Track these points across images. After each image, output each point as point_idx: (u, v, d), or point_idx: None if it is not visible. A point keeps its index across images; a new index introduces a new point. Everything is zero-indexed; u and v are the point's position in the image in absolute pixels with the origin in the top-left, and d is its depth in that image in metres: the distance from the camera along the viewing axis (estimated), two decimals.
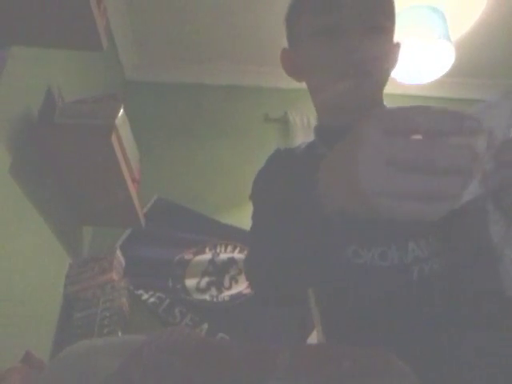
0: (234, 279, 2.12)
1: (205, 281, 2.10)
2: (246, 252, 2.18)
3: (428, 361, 0.64)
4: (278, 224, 0.73)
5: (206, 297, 2.06)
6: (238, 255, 2.19)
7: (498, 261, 0.62)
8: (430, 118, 0.40)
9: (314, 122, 2.57)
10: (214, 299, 2.05)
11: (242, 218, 2.33)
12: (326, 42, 0.83)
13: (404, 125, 0.41)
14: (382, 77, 0.87)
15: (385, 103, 0.91)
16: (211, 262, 2.16)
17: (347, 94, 0.82)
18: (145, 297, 2.03)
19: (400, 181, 0.41)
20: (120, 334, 1.70)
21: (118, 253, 1.95)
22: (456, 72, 2.49)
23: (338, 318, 0.83)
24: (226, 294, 2.08)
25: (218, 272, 2.14)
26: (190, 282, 2.09)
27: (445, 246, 0.76)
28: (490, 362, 0.65)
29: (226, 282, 2.11)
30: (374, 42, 0.82)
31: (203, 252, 2.19)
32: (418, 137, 0.41)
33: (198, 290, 2.08)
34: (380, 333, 0.73)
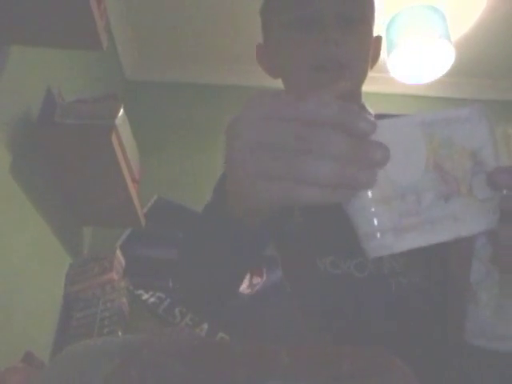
0: None
1: None
2: None
3: None
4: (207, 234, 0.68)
5: None
6: None
7: (470, 301, 0.59)
8: (319, 108, 0.38)
9: None
10: None
11: None
12: (299, 34, 0.78)
13: (285, 111, 0.38)
14: (360, 72, 0.81)
15: (363, 101, 0.86)
16: None
17: (320, 88, 0.79)
18: (145, 297, 2.02)
19: (268, 163, 0.38)
20: (120, 333, 1.70)
21: (118, 253, 1.95)
22: (456, 72, 2.49)
23: (317, 327, 0.82)
24: None
25: None
26: None
27: (423, 259, 0.74)
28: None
29: None
30: (350, 34, 0.77)
31: None
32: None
33: None
34: (358, 343, 0.72)
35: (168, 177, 2.40)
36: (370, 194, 0.40)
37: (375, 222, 0.40)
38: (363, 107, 0.86)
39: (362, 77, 0.82)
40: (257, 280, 2.10)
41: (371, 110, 0.86)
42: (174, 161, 2.46)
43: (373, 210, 0.40)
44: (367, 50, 0.82)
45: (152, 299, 2.02)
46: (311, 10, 0.77)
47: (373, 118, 0.83)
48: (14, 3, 1.19)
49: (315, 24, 0.77)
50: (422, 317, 0.72)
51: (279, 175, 0.37)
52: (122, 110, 1.60)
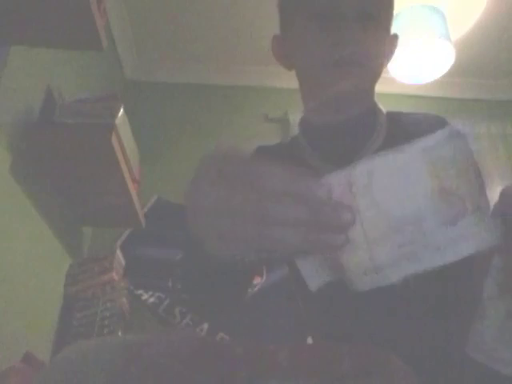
0: None
1: None
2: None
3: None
4: None
5: None
6: None
7: (477, 315, 0.58)
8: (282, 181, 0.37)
9: None
10: None
11: None
12: (319, 29, 0.77)
13: (245, 178, 0.38)
14: (375, 69, 0.81)
15: (376, 100, 0.87)
16: None
17: (335, 84, 0.77)
18: (145, 297, 2.02)
19: (231, 227, 0.38)
20: (120, 333, 1.70)
21: (118, 253, 1.95)
22: (456, 72, 2.49)
23: (320, 320, 0.82)
24: None
25: None
26: None
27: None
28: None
29: None
30: (368, 31, 0.77)
31: None
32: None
33: None
34: (362, 335, 0.72)
35: (168, 177, 2.40)
36: (363, 235, 0.39)
37: (371, 262, 0.39)
38: (375, 105, 0.85)
39: (376, 75, 0.82)
40: (257, 280, 2.10)
41: (383, 109, 0.86)
42: (173, 161, 2.46)
43: (368, 251, 0.39)
44: (383, 48, 0.82)
45: (152, 299, 2.02)
46: (332, 5, 0.76)
47: (383, 119, 0.81)
48: (14, 3, 1.19)
49: (335, 20, 0.76)
50: (424, 320, 0.72)
51: (246, 238, 0.38)
52: (121, 110, 1.60)
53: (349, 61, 0.76)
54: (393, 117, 0.84)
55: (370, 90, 0.84)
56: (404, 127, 0.82)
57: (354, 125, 0.80)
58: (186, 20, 2.44)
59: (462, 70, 2.59)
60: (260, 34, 2.53)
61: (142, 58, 2.70)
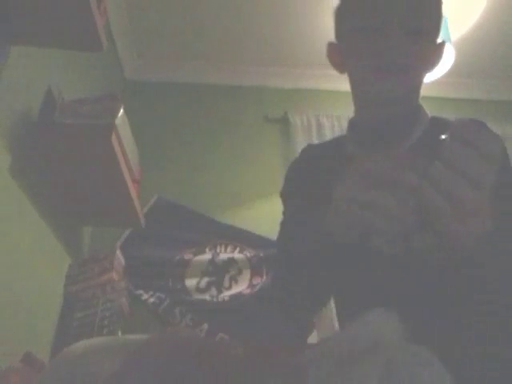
0: (234, 279, 2.12)
1: (205, 281, 2.10)
2: (245, 252, 2.18)
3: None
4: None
5: (206, 297, 2.06)
6: (237, 255, 2.19)
7: None
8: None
9: (314, 122, 2.57)
10: (214, 299, 2.05)
11: (242, 218, 2.33)
12: (367, 39, 0.85)
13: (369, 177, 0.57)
14: (416, 78, 0.89)
15: (420, 103, 0.93)
16: (211, 261, 2.16)
17: (382, 88, 0.85)
18: (145, 297, 2.02)
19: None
20: (120, 333, 1.70)
21: (118, 253, 1.95)
22: (456, 72, 2.49)
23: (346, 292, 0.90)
24: (226, 294, 2.08)
25: (218, 272, 2.14)
26: (190, 282, 2.09)
27: None
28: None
29: (226, 282, 2.11)
30: (412, 43, 0.84)
31: (203, 252, 2.19)
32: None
33: (198, 289, 2.08)
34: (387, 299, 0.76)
35: (168, 177, 2.40)
36: None
37: None
38: (419, 108, 0.92)
39: (418, 82, 0.91)
40: (257, 280, 2.10)
41: (428, 112, 0.93)
42: (174, 161, 2.46)
43: None
44: (427, 58, 0.89)
45: (152, 299, 2.02)
46: (379, 20, 0.84)
47: (425, 120, 0.89)
48: (14, 3, 1.19)
49: (381, 33, 0.84)
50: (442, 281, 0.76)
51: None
52: (121, 110, 1.60)
53: (392, 67, 0.84)
54: (436, 121, 0.91)
55: (411, 94, 0.90)
56: (441, 132, 0.87)
57: (394, 122, 0.88)
58: (186, 20, 2.45)
59: (462, 70, 2.59)
60: (260, 34, 2.53)
61: (142, 58, 2.70)
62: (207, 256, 2.17)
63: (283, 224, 0.99)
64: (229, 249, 2.22)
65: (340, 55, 0.95)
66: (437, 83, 2.49)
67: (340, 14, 0.93)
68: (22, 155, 1.47)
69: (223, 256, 2.18)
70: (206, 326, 1.99)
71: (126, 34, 2.51)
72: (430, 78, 2.44)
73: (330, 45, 0.98)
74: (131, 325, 1.84)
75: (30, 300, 1.52)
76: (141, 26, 2.50)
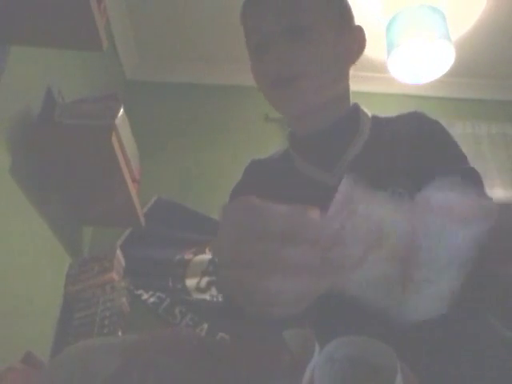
0: None
1: (205, 280, 2.10)
2: None
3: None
4: None
5: (206, 296, 2.06)
6: None
7: None
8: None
9: None
10: (214, 299, 2.05)
11: None
12: (259, 57, 0.83)
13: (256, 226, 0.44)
14: (321, 78, 0.80)
15: (351, 99, 0.87)
16: (211, 261, 2.16)
17: (285, 105, 0.82)
18: (145, 297, 2.03)
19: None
20: (120, 333, 1.70)
21: (118, 253, 1.95)
22: (456, 72, 2.49)
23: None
24: None
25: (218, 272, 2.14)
26: (190, 282, 2.09)
27: None
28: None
29: None
30: (298, 46, 0.78)
31: (203, 252, 2.19)
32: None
33: (198, 289, 2.08)
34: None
35: (168, 177, 2.40)
36: None
37: None
38: (355, 110, 0.86)
39: (326, 82, 0.81)
40: None
41: (367, 111, 0.87)
42: (174, 161, 2.46)
43: None
44: (324, 55, 0.80)
45: (152, 299, 2.03)
46: (261, 35, 0.81)
47: (367, 123, 0.83)
48: (14, 3, 1.19)
49: (267, 46, 0.80)
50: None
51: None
52: (121, 110, 1.60)
53: (281, 81, 0.79)
54: (378, 121, 0.86)
55: (332, 98, 0.83)
56: (387, 133, 0.83)
57: (331, 132, 0.83)
58: (186, 20, 2.45)
59: (461, 70, 2.59)
60: None
61: (142, 58, 2.70)
62: (207, 256, 2.18)
63: None
64: None
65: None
66: (437, 83, 2.49)
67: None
68: (22, 155, 1.47)
69: None
70: (205, 325, 1.99)
71: (126, 34, 2.51)
72: (430, 78, 2.45)
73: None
74: (131, 325, 1.84)
75: (30, 300, 1.52)
76: (141, 26, 2.50)
